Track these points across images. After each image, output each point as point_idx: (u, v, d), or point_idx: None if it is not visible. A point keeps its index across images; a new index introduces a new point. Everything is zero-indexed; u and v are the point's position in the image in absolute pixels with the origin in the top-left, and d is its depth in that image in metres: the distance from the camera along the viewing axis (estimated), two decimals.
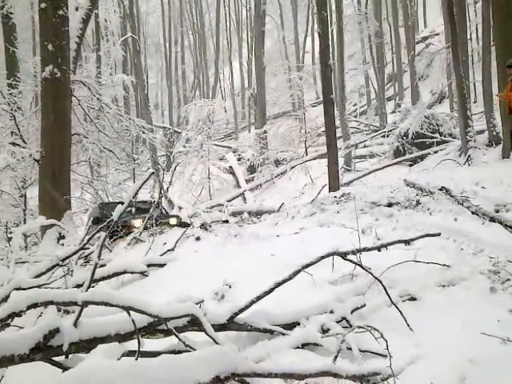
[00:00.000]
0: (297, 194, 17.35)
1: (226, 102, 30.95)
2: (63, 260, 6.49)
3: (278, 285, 4.09)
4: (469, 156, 11.94)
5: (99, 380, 2.43)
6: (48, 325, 3.07)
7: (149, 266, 6.44)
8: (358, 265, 4.53)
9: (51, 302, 3.28)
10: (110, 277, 6.09)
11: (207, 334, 3.49)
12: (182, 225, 9.88)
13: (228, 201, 17.11)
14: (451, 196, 6.97)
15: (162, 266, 6.55)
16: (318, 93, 34.46)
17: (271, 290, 4.05)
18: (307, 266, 4.30)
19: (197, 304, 3.79)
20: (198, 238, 7.63)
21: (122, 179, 16.92)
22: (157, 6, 46.51)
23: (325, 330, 3.72)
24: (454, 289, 4.25)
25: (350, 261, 4.59)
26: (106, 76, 18.48)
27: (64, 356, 3.22)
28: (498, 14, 11.06)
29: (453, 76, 14.51)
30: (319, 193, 12.48)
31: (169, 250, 7.17)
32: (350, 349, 3.30)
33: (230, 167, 22.91)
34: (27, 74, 17.96)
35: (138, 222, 9.03)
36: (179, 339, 3.41)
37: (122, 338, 3.38)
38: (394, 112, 27.63)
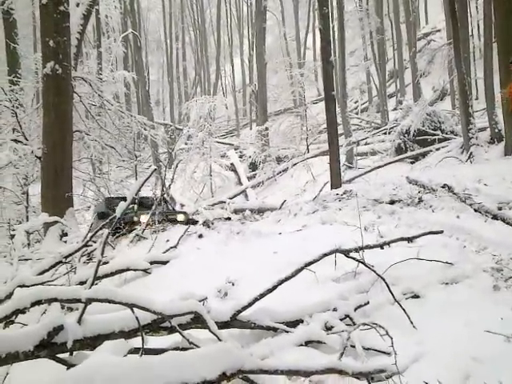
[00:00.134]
0: (298, 191, 17.34)
1: (227, 99, 31.01)
2: (66, 257, 6.50)
3: (281, 282, 4.09)
4: (471, 153, 11.92)
5: (105, 377, 2.43)
6: (52, 322, 3.08)
7: (152, 263, 6.45)
8: (361, 262, 4.53)
9: (55, 299, 3.29)
10: (113, 274, 6.10)
11: (211, 332, 3.50)
12: (190, 221, 9.90)
13: (230, 198, 17.12)
14: (453, 193, 6.97)
15: (164, 263, 6.56)
16: (320, 90, 34.40)
17: (274, 288, 4.06)
18: (310, 263, 4.31)
19: (200, 301, 3.79)
20: (200, 236, 7.64)
21: (123, 176, 16.91)
22: (157, 1, 46.42)
23: (328, 328, 3.73)
24: (456, 286, 4.25)
25: (353, 258, 4.59)
26: (107, 72, 18.44)
27: (68, 353, 3.24)
28: (499, 10, 11.03)
29: (454, 73, 14.50)
30: (321, 190, 12.47)
31: (171, 248, 7.18)
32: (354, 346, 3.31)
33: (232, 164, 22.91)
34: (28, 71, 17.95)
35: (145, 218, 9.01)
36: (183, 336, 3.42)
37: (125, 335, 3.39)
38: (395, 109, 27.59)
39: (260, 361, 2.93)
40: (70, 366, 3.10)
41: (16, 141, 11.91)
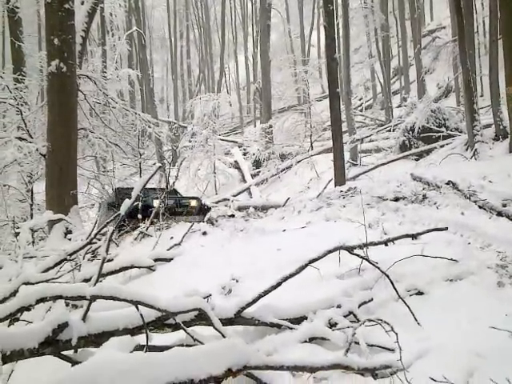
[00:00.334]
0: (302, 188, 17.33)
1: (232, 97, 30.90)
2: (71, 255, 6.51)
3: (285, 279, 4.10)
4: (475, 150, 11.88)
5: (112, 373, 2.44)
6: (57, 319, 3.09)
7: (156, 260, 6.46)
8: (365, 259, 4.53)
9: (60, 297, 3.30)
10: (117, 271, 6.12)
11: (215, 328, 3.51)
12: (203, 207, 9.98)
13: (234, 195, 17.13)
14: (458, 190, 6.96)
15: (168, 260, 6.57)
16: (324, 87, 34.43)
17: (278, 285, 4.06)
18: (314, 260, 4.31)
19: (204, 298, 3.80)
20: (204, 233, 7.65)
21: (128, 174, 16.93)
22: None
23: (332, 325, 3.73)
24: (461, 283, 4.25)
25: (357, 255, 4.59)
26: (112, 70, 18.44)
27: (73, 350, 3.25)
28: (505, 7, 10.98)
29: (459, 69, 14.43)
30: (325, 187, 12.47)
31: (176, 245, 7.18)
32: (358, 343, 3.31)
33: (236, 162, 22.92)
34: (33, 69, 17.96)
35: (156, 203, 9.10)
36: (187, 333, 3.43)
37: (130, 332, 3.40)
38: (399, 106, 27.50)
39: (265, 357, 2.94)
40: (74, 363, 3.12)
41: (21, 139, 11.92)
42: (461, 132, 16.32)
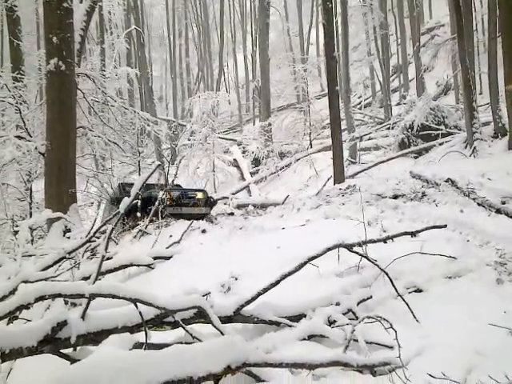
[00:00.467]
0: (302, 186, 17.31)
1: (231, 95, 30.93)
2: (70, 253, 6.50)
3: (284, 277, 4.10)
4: (474, 148, 11.88)
5: (111, 371, 2.44)
6: (56, 317, 3.09)
7: (155, 258, 6.47)
8: (364, 257, 4.54)
9: (59, 295, 3.30)
10: (116, 269, 6.12)
11: (214, 326, 3.51)
12: (209, 199, 10.05)
13: (233, 193, 17.10)
14: (457, 188, 6.96)
15: (168, 258, 6.57)
16: (323, 85, 34.40)
17: (277, 282, 4.06)
18: (313, 258, 4.31)
19: (203, 296, 3.80)
20: (203, 231, 7.66)
21: (127, 172, 16.90)
22: None
23: (331, 322, 3.73)
24: (460, 280, 4.25)
25: (356, 253, 4.60)
26: (111, 69, 18.40)
27: (72, 348, 3.25)
28: (504, 4, 10.97)
29: (458, 67, 14.44)
30: (324, 185, 12.47)
31: (175, 243, 7.19)
32: (357, 340, 3.31)
33: (235, 160, 22.88)
34: (32, 68, 17.92)
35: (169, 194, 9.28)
36: (186, 331, 3.43)
37: (129, 330, 3.40)
38: (399, 104, 27.47)
39: (265, 354, 2.94)
40: (73, 361, 3.12)
41: (19, 137, 11.89)
42: (460, 130, 16.32)
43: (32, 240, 10.15)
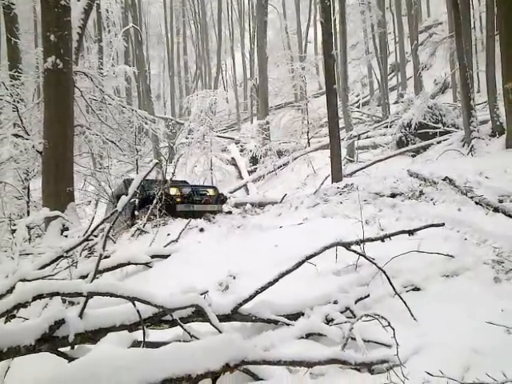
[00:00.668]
0: (299, 185, 17.32)
1: (228, 93, 30.94)
2: (67, 251, 6.50)
3: (282, 275, 4.10)
4: (472, 146, 11.89)
5: (110, 369, 2.44)
6: (53, 316, 3.09)
7: (153, 257, 6.46)
8: (362, 255, 4.54)
9: (57, 293, 3.29)
10: (114, 268, 6.11)
11: (212, 325, 3.51)
12: (220, 196, 10.02)
13: (231, 192, 17.11)
14: (455, 186, 6.97)
15: (165, 257, 6.57)
16: (321, 83, 34.35)
17: (275, 281, 4.06)
18: (311, 256, 4.31)
19: (201, 295, 3.80)
20: (201, 230, 7.66)
21: (124, 171, 16.91)
22: None
23: (329, 320, 3.74)
24: (457, 279, 4.26)
25: (354, 251, 4.60)
26: (108, 67, 18.37)
27: (69, 347, 3.25)
28: (502, 3, 10.96)
29: (456, 66, 14.43)
30: (322, 183, 12.47)
31: (173, 242, 7.19)
32: (354, 339, 3.32)
33: (233, 158, 22.87)
34: (29, 66, 17.88)
35: (176, 191, 9.25)
36: (184, 329, 3.43)
37: (127, 328, 3.40)
38: (396, 102, 27.49)
39: (263, 352, 2.95)
40: (71, 359, 3.11)
41: (17, 135, 11.89)
42: (457, 128, 16.33)
43: (29, 239, 10.15)
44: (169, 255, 6.59)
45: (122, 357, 2.56)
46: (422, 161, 14.02)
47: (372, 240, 4.88)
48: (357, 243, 4.67)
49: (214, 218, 8.64)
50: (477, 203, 6.18)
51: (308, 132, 21.58)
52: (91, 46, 23.22)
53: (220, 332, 3.45)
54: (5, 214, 11.51)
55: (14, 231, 9.16)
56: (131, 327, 3.42)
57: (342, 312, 3.84)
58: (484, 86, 16.08)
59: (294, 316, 3.92)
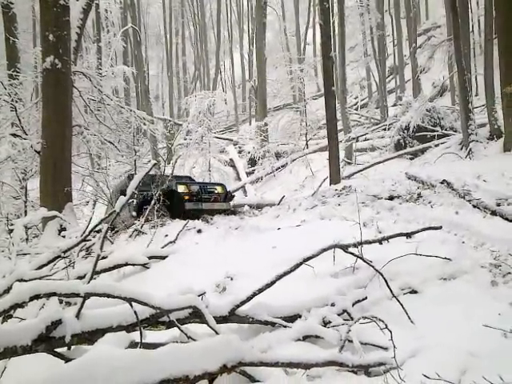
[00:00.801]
0: (297, 186, 17.33)
1: (227, 94, 30.93)
2: (65, 252, 6.49)
3: (280, 277, 4.10)
4: (470, 149, 11.92)
5: (107, 369, 2.44)
6: (50, 316, 3.08)
7: (150, 258, 6.46)
8: (360, 258, 4.54)
9: (54, 294, 3.28)
10: (111, 269, 6.11)
11: (209, 326, 3.51)
12: (228, 194, 9.90)
13: None
14: (452, 189, 6.98)
15: (163, 258, 6.57)
16: (319, 85, 34.36)
17: (273, 283, 4.06)
18: (308, 258, 4.31)
19: (198, 296, 3.80)
20: (199, 231, 7.65)
21: (122, 171, 16.87)
22: None
23: (326, 323, 3.74)
24: (455, 282, 4.26)
25: (352, 253, 4.60)
26: (107, 67, 18.38)
27: (66, 347, 3.24)
28: (500, 6, 10.99)
29: (454, 69, 14.45)
30: (320, 185, 12.47)
31: (170, 243, 7.18)
32: (351, 341, 3.32)
33: (231, 160, 22.88)
34: (28, 65, 17.86)
35: (184, 188, 9.10)
36: (181, 331, 3.43)
37: (124, 329, 3.40)
38: (395, 105, 27.54)
39: (260, 353, 2.94)
40: (67, 360, 3.11)
41: (15, 135, 11.87)
42: (455, 131, 16.37)
43: (27, 239, 10.13)
44: (166, 256, 6.59)
45: (120, 357, 2.56)
46: (419, 164, 14.04)
47: (370, 242, 4.88)
48: (354, 245, 4.67)
49: (211, 219, 8.62)
50: (474, 206, 6.18)
51: (306, 134, 21.58)
52: (90, 46, 23.17)
53: (217, 333, 3.45)
54: (2, 213, 11.50)
55: (11, 231, 9.13)
56: (128, 328, 3.41)
57: (339, 314, 3.84)
58: (482, 89, 16.15)
59: (292, 318, 3.92)
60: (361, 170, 15.68)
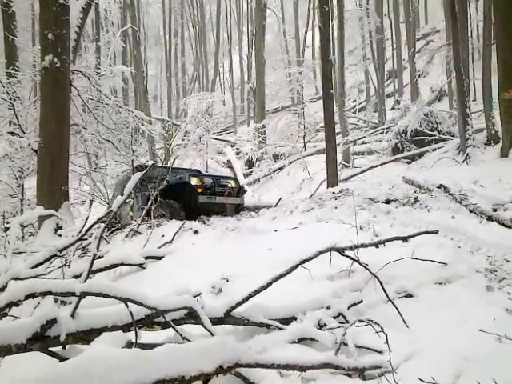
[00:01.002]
0: (295, 189, 17.34)
1: (225, 96, 30.88)
2: (61, 251, 6.47)
3: (276, 279, 4.10)
4: (467, 154, 11.95)
5: (103, 368, 2.44)
6: (45, 315, 3.07)
7: (146, 258, 6.45)
8: (356, 261, 4.54)
9: (49, 292, 3.28)
10: (107, 268, 6.09)
11: (204, 327, 3.50)
12: (241, 189, 9.71)
13: None
14: (449, 194, 6.99)
15: (159, 258, 6.56)
16: (318, 88, 34.46)
17: (269, 285, 4.06)
18: (305, 260, 4.31)
19: (194, 297, 3.79)
20: (195, 232, 7.63)
21: (120, 171, 16.85)
22: None
23: (321, 326, 3.74)
24: (450, 286, 4.27)
25: (348, 256, 4.60)
26: (106, 67, 18.36)
27: (61, 347, 3.23)
28: (499, 11, 11.02)
29: (453, 73, 14.50)
30: (317, 188, 12.48)
31: (167, 243, 7.17)
32: (346, 344, 3.32)
33: (228, 161, 22.89)
34: (26, 64, 17.83)
35: (194, 180, 8.83)
36: (177, 331, 3.42)
37: (119, 329, 3.39)
38: (393, 109, 27.61)
39: (257, 355, 2.94)
40: (62, 359, 3.10)
41: (12, 133, 11.84)
42: (453, 136, 16.41)
43: (23, 237, 10.12)
44: (163, 257, 6.58)
45: (116, 357, 2.56)
46: (417, 168, 14.07)
47: (366, 246, 4.89)
48: (351, 249, 4.67)
49: (208, 220, 8.59)
50: (471, 211, 6.20)
51: (304, 136, 21.61)
52: (89, 45, 23.17)
53: (212, 335, 3.45)
54: None
55: (7, 229, 9.12)
56: (123, 328, 3.40)
57: (334, 317, 3.84)
58: (480, 94, 16.18)
59: (287, 320, 3.92)
60: (358, 174, 15.68)
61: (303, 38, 41.66)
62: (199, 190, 8.68)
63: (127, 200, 8.42)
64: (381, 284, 4.12)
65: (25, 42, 21.17)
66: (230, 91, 42.70)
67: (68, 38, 11.17)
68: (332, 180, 11.06)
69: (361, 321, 3.44)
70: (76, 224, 10.65)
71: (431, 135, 16.90)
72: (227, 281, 5.19)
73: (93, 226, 6.11)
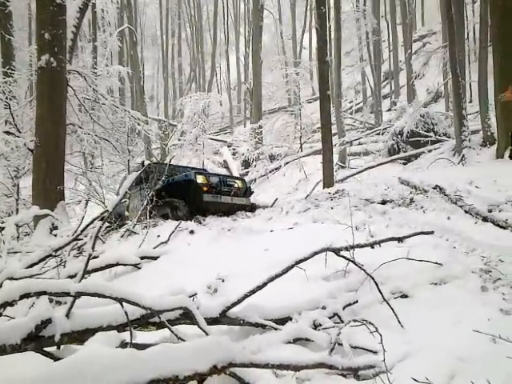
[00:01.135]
0: (291, 189, 17.36)
1: (222, 96, 30.94)
2: (56, 250, 6.46)
3: (271, 279, 4.10)
4: (463, 155, 11.99)
5: (97, 368, 2.43)
6: (40, 315, 3.07)
7: (142, 258, 6.45)
8: (351, 261, 4.55)
9: (44, 292, 3.27)
10: (102, 268, 6.09)
11: (199, 327, 3.50)
12: (248, 189, 9.61)
13: None
14: (445, 195, 7.01)
15: (155, 258, 6.55)
16: (315, 89, 34.50)
17: (264, 285, 4.06)
18: (300, 261, 4.31)
19: (190, 297, 3.79)
20: (191, 232, 7.63)
21: (116, 171, 16.84)
22: None
23: (317, 326, 3.74)
24: (445, 287, 4.28)
25: (343, 257, 4.60)
26: (102, 67, 18.36)
27: (56, 347, 3.23)
28: (495, 13, 11.05)
29: (449, 75, 14.54)
30: (313, 189, 12.50)
31: (162, 243, 7.16)
32: (341, 344, 3.32)
33: (225, 161, 22.89)
34: (22, 63, 17.81)
35: (200, 179, 8.72)
36: (172, 332, 3.42)
37: (114, 329, 3.39)
38: (389, 110, 27.65)
39: (251, 355, 2.94)
40: (57, 359, 3.09)
41: (8, 133, 11.79)
42: (449, 137, 16.47)
43: (18, 237, 10.07)
44: (158, 257, 6.57)
45: (110, 356, 2.55)
46: (412, 169, 14.10)
47: (361, 246, 4.89)
48: (346, 249, 4.68)
49: (204, 220, 8.57)
50: (466, 212, 6.22)
51: (301, 137, 21.64)
52: (86, 45, 23.18)
53: (207, 335, 3.44)
54: None
55: (2, 229, 9.08)
56: (118, 328, 3.40)
57: (330, 317, 3.84)
58: (476, 96, 16.23)
59: (282, 320, 3.92)
60: (354, 174, 15.72)
61: (300, 39, 41.66)
62: (204, 189, 8.58)
63: (124, 200, 8.41)
64: (376, 284, 4.13)
65: (21, 41, 21.13)
66: (226, 92, 42.71)
67: (65, 37, 11.14)
68: (328, 181, 11.08)
69: (355, 321, 3.45)
70: (71, 224, 10.62)
71: (427, 136, 16.95)
72: (223, 281, 5.19)
73: (88, 225, 6.10)
